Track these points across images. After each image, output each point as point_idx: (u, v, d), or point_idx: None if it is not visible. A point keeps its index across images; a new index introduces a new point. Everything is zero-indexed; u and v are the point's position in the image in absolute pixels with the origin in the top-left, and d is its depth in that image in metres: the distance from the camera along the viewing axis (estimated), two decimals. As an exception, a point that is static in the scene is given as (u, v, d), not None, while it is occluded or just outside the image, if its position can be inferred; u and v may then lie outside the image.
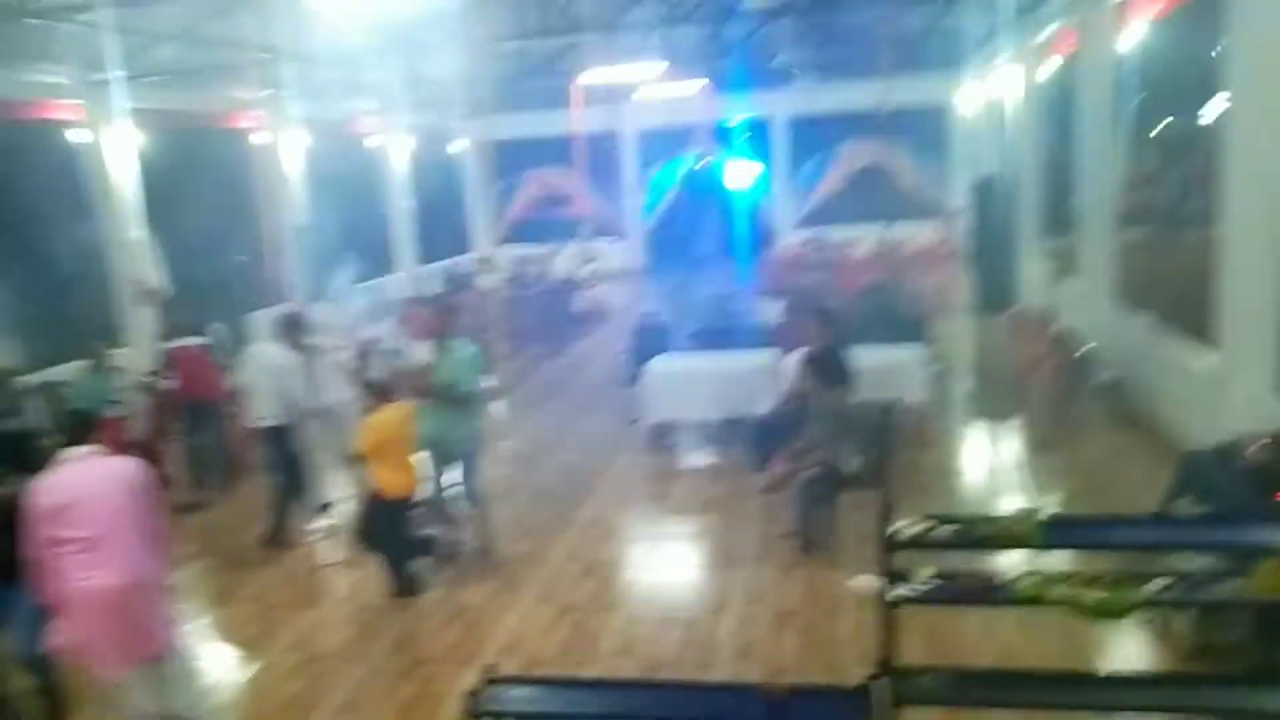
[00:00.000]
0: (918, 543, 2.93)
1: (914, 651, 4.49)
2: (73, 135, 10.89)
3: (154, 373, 8.27)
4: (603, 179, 19.14)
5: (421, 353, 6.06)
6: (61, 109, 10.60)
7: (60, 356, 9.16)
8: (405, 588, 5.71)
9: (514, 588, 5.77)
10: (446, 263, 18.07)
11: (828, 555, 5.77)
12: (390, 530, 5.68)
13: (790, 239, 18.90)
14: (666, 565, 6.08)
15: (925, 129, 18.03)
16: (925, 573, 3.04)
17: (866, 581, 5.03)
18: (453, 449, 6.02)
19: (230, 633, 5.57)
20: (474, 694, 3.14)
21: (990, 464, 7.66)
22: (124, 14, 9.02)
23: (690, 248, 19.42)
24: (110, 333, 11.06)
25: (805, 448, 5.95)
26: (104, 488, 4.01)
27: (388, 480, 5.57)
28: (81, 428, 4.18)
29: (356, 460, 6.00)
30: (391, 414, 5.59)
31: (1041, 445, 7.48)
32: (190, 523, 7.37)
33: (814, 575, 5.58)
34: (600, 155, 16.02)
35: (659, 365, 8.41)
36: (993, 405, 8.79)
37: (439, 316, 6.16)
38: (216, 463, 8.18)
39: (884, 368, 7.64)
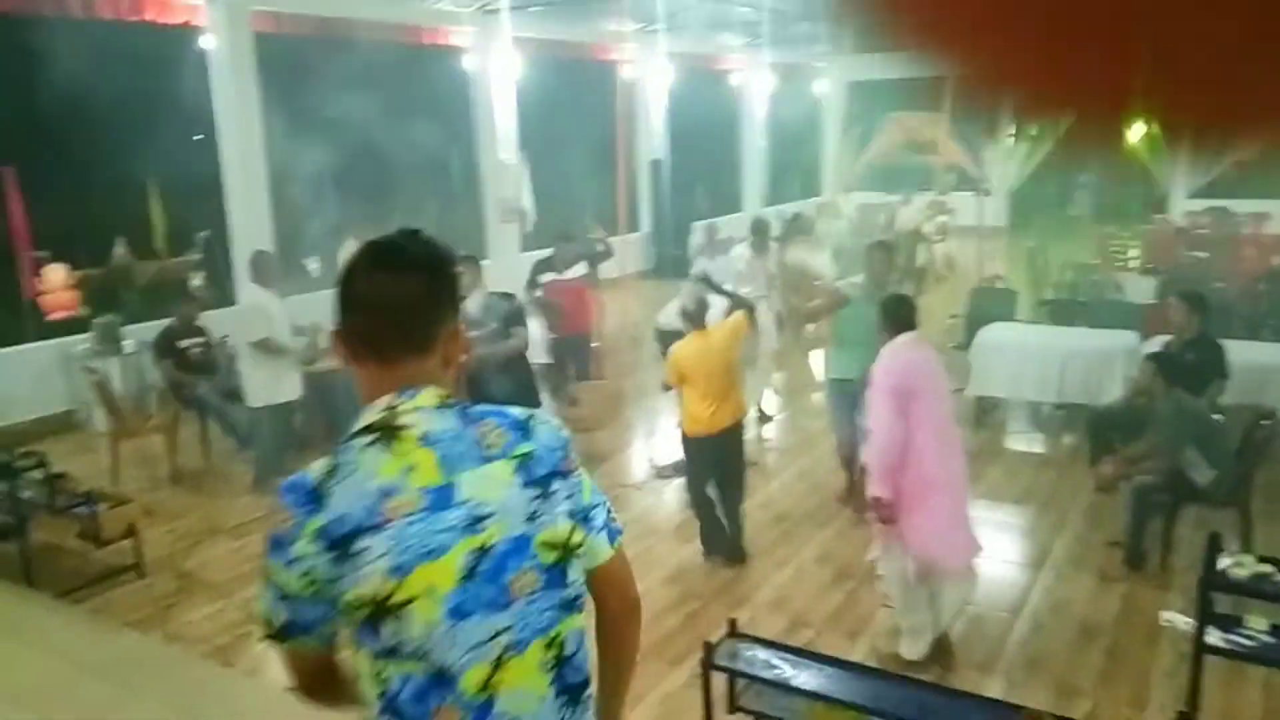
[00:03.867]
0: (1249, 589, 2.39)
1: (1248, 708, 3.82)
2: (464, 61, 11.92)
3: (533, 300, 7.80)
4: (973, 127, 17.83)
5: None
6: (455, 35, 11.60)
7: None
8: (717, 547, 5.36)
9: (793, 542, 5.62)
10: (791, 206, 17.87)
11: (1157, 574, 5.02)
12: (693, 473, 5.39)
13: (1184, 209, 16.60)
14: (965, 550, 5.60)
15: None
16: (1257, 623, 2.48)
17: (1180, 619, 4.31)
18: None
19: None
20: (714, 645, 3.07)
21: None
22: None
23: (1063, 209, 17.67)
24: (477, 246, 12.16)
25: (1147, 449, 5.18)
26: (937, 375, 4.15)
27: (690, 413, 5.22)
28: (907, 313, 4.19)
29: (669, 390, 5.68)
30: (696, 342, 5.18)
31: None
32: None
33: (1136, 594, 4.87)
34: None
35: (995, 333, 7.73)
36: None
37: (878, 258, 6.04)
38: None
39: (1272, 369, 6.49)
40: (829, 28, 15.77)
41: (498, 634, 1.42)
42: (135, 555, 5.31)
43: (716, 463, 5.27)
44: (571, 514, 1.51)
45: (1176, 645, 4.25)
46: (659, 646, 4.44)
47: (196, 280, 9.88)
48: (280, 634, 1.46)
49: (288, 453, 6.85)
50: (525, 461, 1.48)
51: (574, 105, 13.24)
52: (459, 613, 1.39)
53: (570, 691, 1.49)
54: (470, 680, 1.40)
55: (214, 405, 7.00)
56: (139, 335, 7.92)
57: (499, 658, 1.42)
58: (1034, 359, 7.32)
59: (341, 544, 1.36)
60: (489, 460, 1.45)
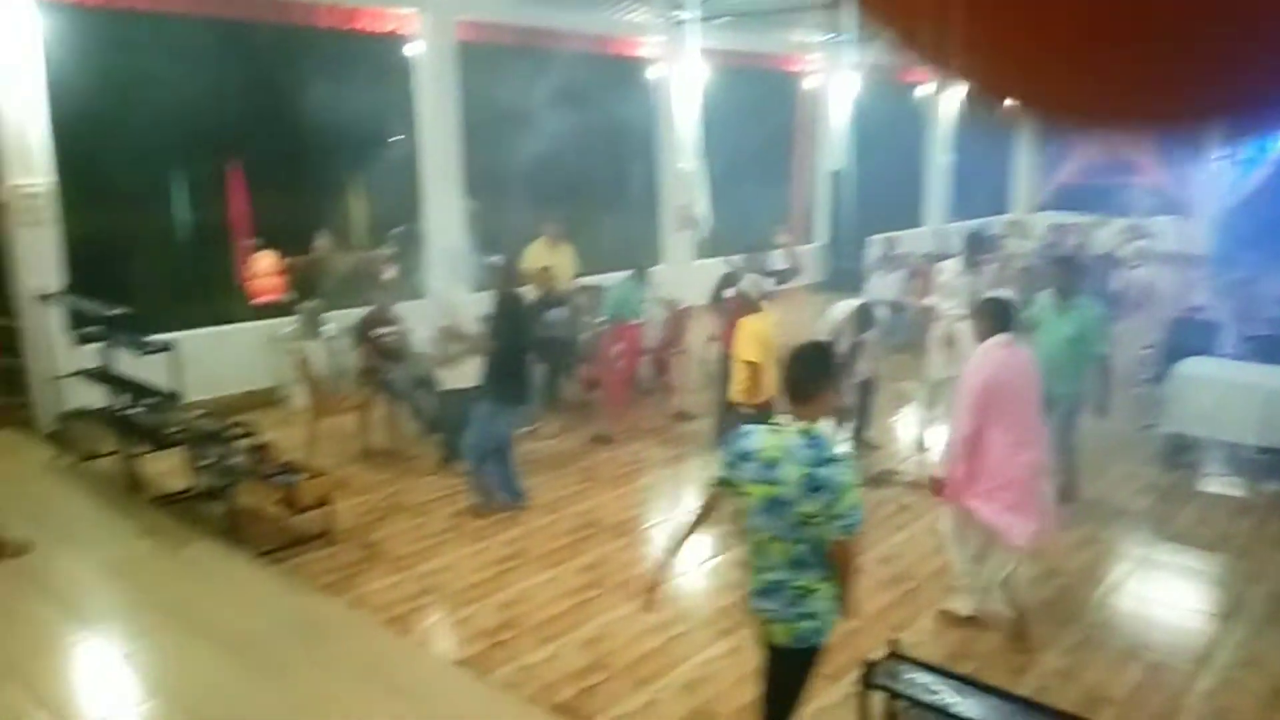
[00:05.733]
0: None
1: None
2: (651, 71, 12.16)
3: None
4: (1174, 148, 16.73)
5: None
6: (645, 46, 11.85)
7: (608, 266, 10.40)
8: None
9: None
10: (975, 223, 17.28)
11: (1369, 639, 4.60)
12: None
13: None
14: (1148, 595, 5.29)
15: None
16: None
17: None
18: (1057, 403, 5.90)
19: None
20: (874, 664, 3.05)
21: None
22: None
23: (1275, 238, 16.28)
24: (652, 250, 12.39)
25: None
26: (1025, 377, 4.51)
27: (756, 385, 5.91)
28: (1003, 315, 4.57)
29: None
30: (764, 321, 6.01)
31: None
32: (683, 429, 8.09)
33: (1342, 657, 4.48)
34: (1178, 121, 13.96)
35: (1194, 368, 7.24)
36: None
37: (1063, 273, 6.46)
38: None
39: None
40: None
41: (771, 528, 2.95)
42: (327, 524, 5.72)
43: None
44: (823, 507, 2.85)
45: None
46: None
47: (390, 272, 10.53)
48: (719, 482, 3.12)
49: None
50: (811, 471, 2.86)
51: (756, 115, 13.27)
52: (759, 513, 2.97)
53: (795, 567, 2.95)
54: (760, 541, 3.01)
55: (404, 391, 7.44)
56: (337, 321, 8.50)
57: (772, 538, 2.96)
58: (1236, 398, 6.82)
59: (737, 459, 3.03)
60: (798, 462, 2.88)
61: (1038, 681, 4.31)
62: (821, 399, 2.99)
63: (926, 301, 7.98)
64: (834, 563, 2.93)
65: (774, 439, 2.93)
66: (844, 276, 13.88)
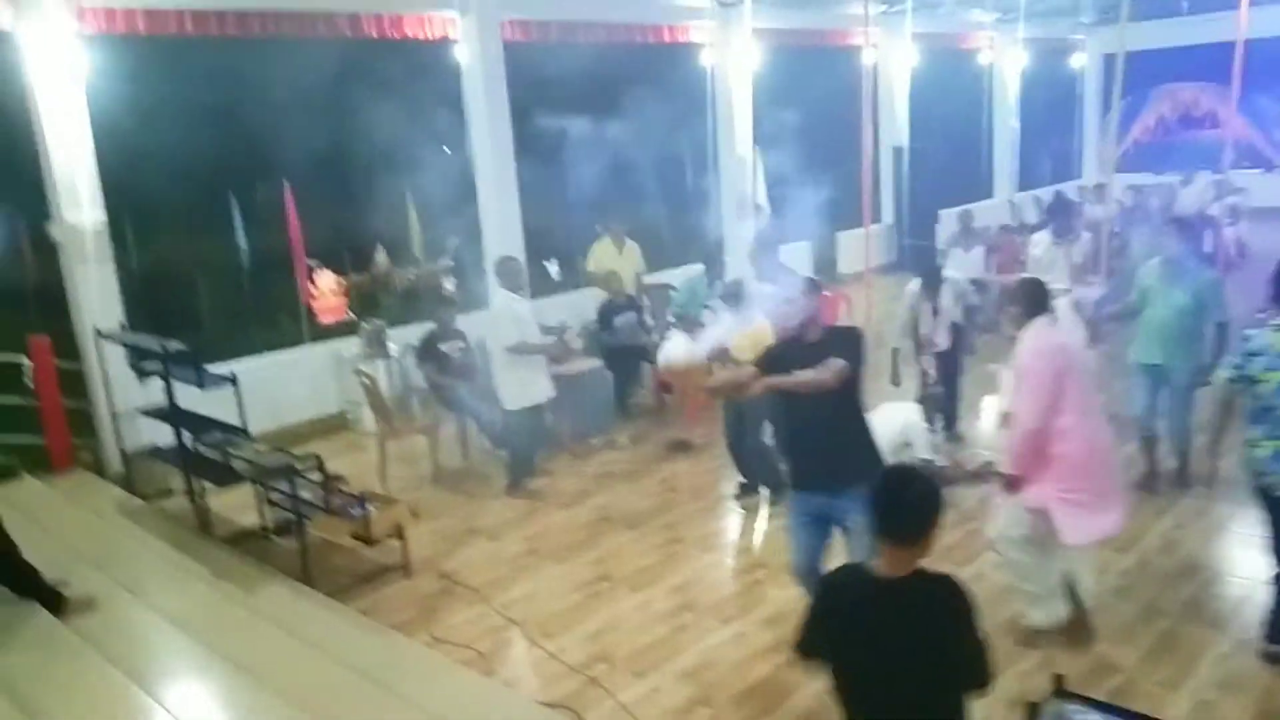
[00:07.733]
0: None
1: None
2: (703, 56, 11.70)
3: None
4: (1258, 97, 15.75)
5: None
6: (695, 31, 11.42)
7: (671, 261, 10.03)
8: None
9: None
10: (1048, 189, 16.52)
11: None
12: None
13: None
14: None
15: None
16: None
17: None
18: (1169, 377, 5.81)
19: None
20: (1037, 704, 2.62)
21: None
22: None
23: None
24: (715, 243, 11.95)
25: None
26: (1083, 355, 4.50)
27: None
28: (1043, 295, 4.24)
29: None
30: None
31: None
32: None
33: None
34: (1260, 68, 13.02)
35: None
36: None
37: (1174, 237, 5.91)
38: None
39: None
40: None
41: None
42: (402, 555, 5.44)
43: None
44: None
45: None
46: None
47: (449, 285, 10.29)
48: (1234, 379, 4.02)
49: (539, 452, 6.90)
50: None
51: (814, 94, 12.73)
52: (1277, 394, 3.86)
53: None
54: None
55: (471, 407, 7.15)
56: (400, 339, 8.25)
57: None
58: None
59: (1247, 358, 3.92)
60: None
61: (1192, 698, 3.83)
62: None
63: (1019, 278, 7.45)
64: None
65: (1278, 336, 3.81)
66: (915, 255, 13.32)
